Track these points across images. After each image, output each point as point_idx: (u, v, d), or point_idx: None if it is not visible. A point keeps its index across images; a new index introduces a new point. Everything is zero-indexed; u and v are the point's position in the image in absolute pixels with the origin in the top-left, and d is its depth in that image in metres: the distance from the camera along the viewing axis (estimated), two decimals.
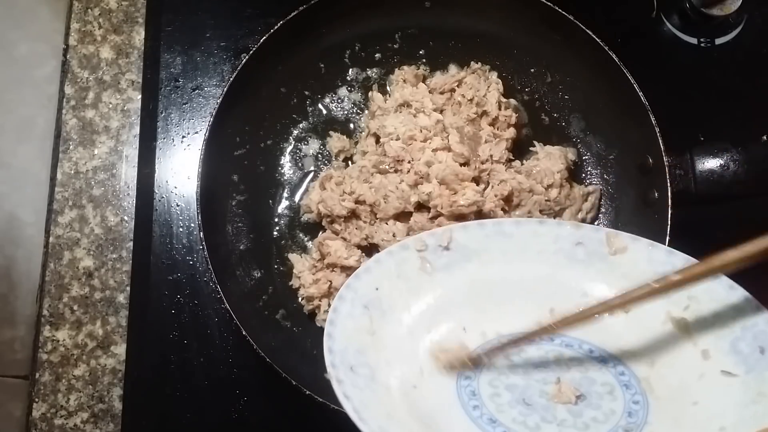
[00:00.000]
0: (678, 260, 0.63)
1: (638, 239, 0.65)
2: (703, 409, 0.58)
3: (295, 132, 0.80)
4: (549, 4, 0.74)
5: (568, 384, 0.59)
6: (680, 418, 0.58)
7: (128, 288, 0.77)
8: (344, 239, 0.74)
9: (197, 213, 0.69)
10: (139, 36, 0.85)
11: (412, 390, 0.58)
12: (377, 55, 0.82)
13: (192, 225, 0.79)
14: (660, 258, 0.63)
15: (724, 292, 0.61)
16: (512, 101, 0.79)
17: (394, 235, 0.72)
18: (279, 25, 0.74)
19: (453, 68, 0.81)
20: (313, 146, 0.80)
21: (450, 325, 0.63)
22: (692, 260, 0.62)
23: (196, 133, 0.82)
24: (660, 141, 0.70)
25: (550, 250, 0.65)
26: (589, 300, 0.63)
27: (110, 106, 0.83)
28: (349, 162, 0.79)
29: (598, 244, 0.65)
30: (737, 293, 0.60)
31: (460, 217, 0.71)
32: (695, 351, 0.60)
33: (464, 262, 0.65)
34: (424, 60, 0.82)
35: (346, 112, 0.81)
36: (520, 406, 0.57)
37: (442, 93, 0.78)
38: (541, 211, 0.74)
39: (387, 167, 0.74)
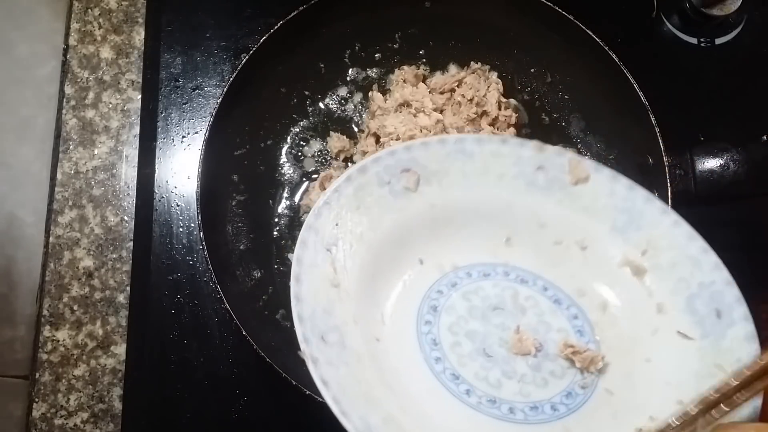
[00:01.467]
0: (639, 197, 0.61)
1: (602, 169, 0.62)
2: (657, 368, 0.56)
3: (295, 132, 0.80)
4: (549, 4, 0.74)
5: (527, 333, 0.57)
6: (632, 374, 0.56)
7: (128, 288, 0.77)
8: None
9: (197, 213, 0.69)
10: (139, 36, 0.85)
11: (376, 345, 0.55)
12: (377, 55, 0.82)
13: (192, 225, 0.78)
14: (621, 193, 0.61)
15: (684, 240, 0.59)
16: (512, 101, 0.79)
17: None
18: (279, 25, 0.74)
19: (453, 68, 0.81)
20: (313, 146, 0.80)
21: (407, 259, 0.60)
22: (660, 202, 0.60)
23: (196, 133, 0.82)
24: (660, 141, 0.70)
25: (510, 173, 0.62)
26: (546, 231, 0.61)
27: (110, 106, 0.83)
28: (349, 162, 0.79)
29: (559, 171, 0.62)
30: (697, 244, 0.58)
31: None
32: (650, 302, 0.58)
33: (424, 184, 0.62)
34: (424, 60, 0.82)
35: (346, 112, 0.81)
36: (481, 358, 0.56)
37: (442, 93, 0.78)
38: None
39: None
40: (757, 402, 0.52)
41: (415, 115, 0.76)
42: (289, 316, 0.73)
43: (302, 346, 0.51)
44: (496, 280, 0.60)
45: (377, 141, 0.77)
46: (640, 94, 0.72)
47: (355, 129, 0.80)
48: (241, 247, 0.75)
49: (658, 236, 0.60)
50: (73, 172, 0.81)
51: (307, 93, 0.81)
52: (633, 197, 0.61)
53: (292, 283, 0.54)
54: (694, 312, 0.57)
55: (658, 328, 0.57)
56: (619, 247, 0.60)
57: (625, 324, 0.59)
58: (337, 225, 0.58)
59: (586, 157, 0.64)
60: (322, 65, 0.81)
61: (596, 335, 0.58)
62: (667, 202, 0.69)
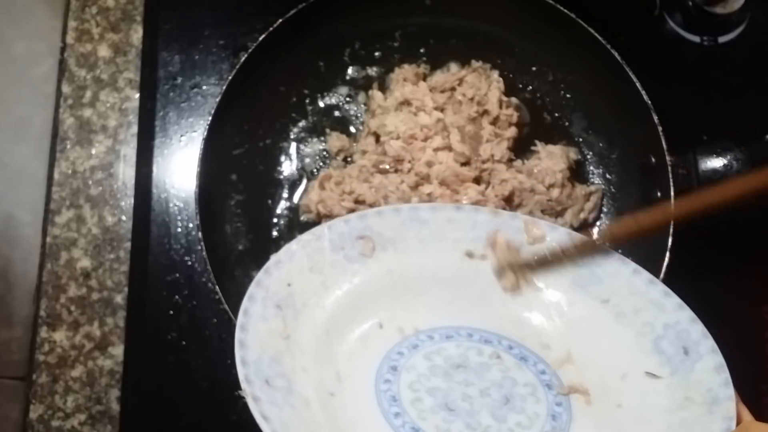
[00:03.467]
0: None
1: (556, 228, 0.65)
2: (628, 412, 0.56)
3: (295, 131, 0.79)
4: (551, 2, 0.74)
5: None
6: (603, 421, 0.56)
7: (126, 288, 0.77)
8: None
9: (196, 213, 0.69)
10: (137, 34, 0.85)
11: (330, 399, 0.55)
12: (377, 54, 0.81)
13: (190, 225, 0.78)
14: None
15: (644, 286, 0.60)
16: (513, 100, 0.79)
17: None
18: (278, 23, 0.73)
19: (454, 67, 0.81)
20: (312, 145, 0.79)
21: (365, 321, 0.60)
22: (617, 254, 0.62)
23: (195, 132, 0.81)
24: (662, 140, 0.70)
25: (467, 237, 0.64)
26: (504, 292, 0.63)
27: (108, 105, 0.82)
28: (349, 161, 0.78)
29: (516, 232, 0.64)
30: (657, 288, 0.59)
31: None
32: (617, 349, 0.59)
33: (380, 251, 0.63)
34: (424, 58, 0.81)
35: (345, 111, 0.80)
36: (443, 412, 0.55)
37: (442, 92, 0.78)
38: (542, 211, 0.73)
39: (387, 167, 0.74)
40: None
41: (415, 114, 0.76)
42: None
43: (243, 386, 0.51)
44: (459, 341, 0.60)
45: (377, 140, 0.76)
46: (643, 92, 0.71)
47: (355, 128, 0.80)
48: (239, 248, 0.75)
49: (619, 286, 0.61)
50: (70, 171, 0.80)
51: (306, 92, 0.80)
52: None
53: (238, 331, 0.54)
54: (662, 352, 0.58)
55: (626, 373, 0.58)
56: (581, 300, 0.62)
57: (594, 373, 0.59)
58: (289, 285, 0.59)
59: (540, 219, 0.67)
60: (322, 64, 0.80)
61: (565, 387, 0.58)
62: (670, 202, 0.69)
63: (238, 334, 0.54)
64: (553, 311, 0.62)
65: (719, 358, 0.55)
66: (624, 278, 0.61)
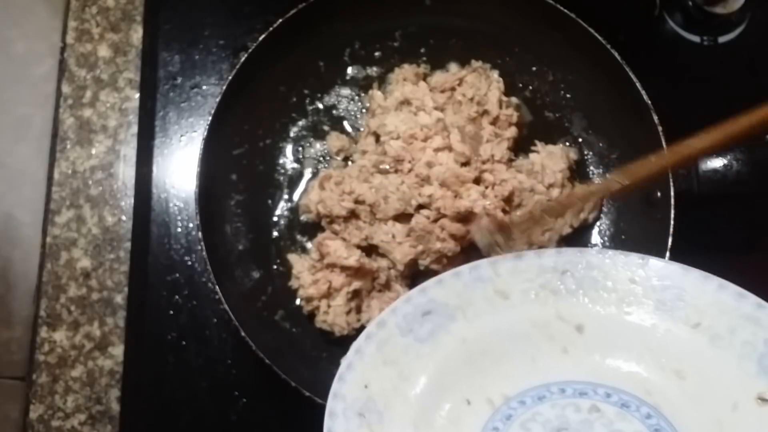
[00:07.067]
0: (674, 272, 0.59)
1: (629, 254, 0.61)
2: None
3: (294, 131, 0.79)
4: (551, 2, 0.74)
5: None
6: None
7: (126, 288, 0.77)
8: (344, 239, 0.73)
9: (196, 213, 0.69)
10: (137, 34, 0.85)
11: None
12: (377, 54, 0.81)
13: (190, 225, 0.78)
14: (655, 272, 0.59)
15: (733, 302, 0.56)
16: (513, 99, 0.79)
17: (393, 236, 0.71)
18: (278, 23, 0.73)
19: (453, 67, 0.81)
20: (312, 145, 0.79)
21: (452, 402, 0.57)
22: (698, 271, 0.58)
23: (195, 132, 0.81)
24: (662, 140, 0.70)
25: (535, 286, 0.60)
26: (587, 334, 0.59)
27: (108, 105, 0.82)
28: (349, 161, 0.78)
29: (587, 269, 0.60)
30: (749, 302, 0.56)
31: (462, 218, 0.71)
32: (721, 377, 0.55)
33: (449, 322, 0.59)
34: (424, 58, 0.81)
35: (345, 111, 0.80)
36: None
37: (442, 92, 0.78)
38: (542, 211, 0.73)
39: (387, 167, 0.74)
40: None
41: (415, 114, 0.75)
42: (288, 316, 0.73)
43: None
44: (553, 400, 0.56)
45: (377, 140, 0.76)
46: (643, 92, 0.71)
47: (355, 128, 0.80)
48: (239, 247, 0.74)
49: (707, 304, 0.57)
50: (70, 171, 0.80)
51: (306, 92, 0.80)
52: (668, 274, 0.59)
53: None
54: None
55: (737, 402, 0.54)
56: (669, 328, 0.58)
57: (703, 408, 0.55)
58: (366, 387, 0.56)
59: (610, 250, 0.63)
60: (322, 64, 0.80)
61: (676, 428, 0.55)
62: (670, 202, 0.69)
63: None
64: (642, 348, 0.58)
65: None
66: (710, 296, 0.57)
